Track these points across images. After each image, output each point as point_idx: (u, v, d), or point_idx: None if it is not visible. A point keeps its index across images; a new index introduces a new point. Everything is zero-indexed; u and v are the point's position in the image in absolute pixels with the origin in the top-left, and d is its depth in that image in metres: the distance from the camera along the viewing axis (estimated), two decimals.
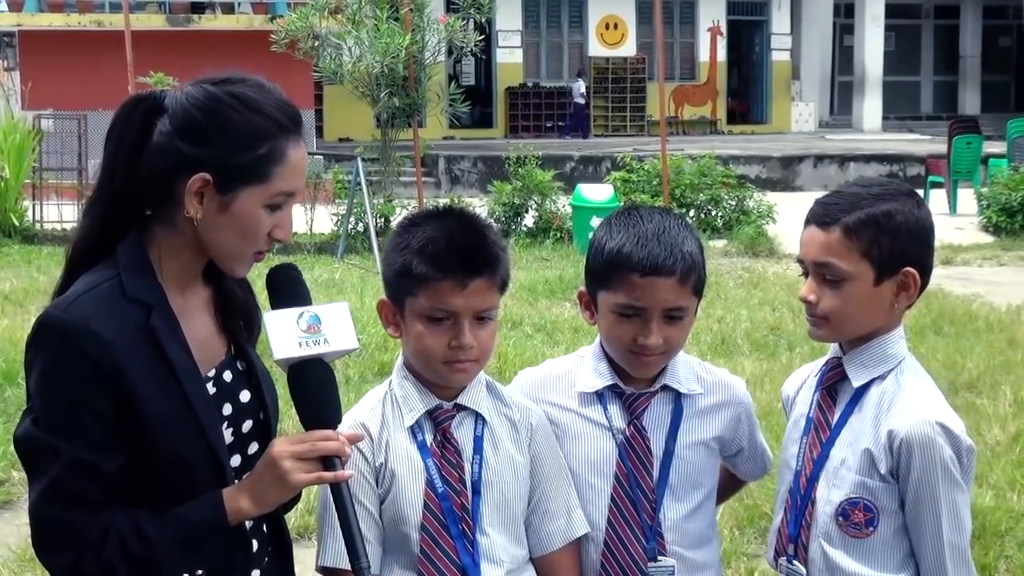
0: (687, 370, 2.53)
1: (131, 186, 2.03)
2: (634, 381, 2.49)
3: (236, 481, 2.07)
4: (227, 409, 2.10)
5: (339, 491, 1.99)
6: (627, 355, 2.43)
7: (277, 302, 2.06)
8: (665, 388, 2.49)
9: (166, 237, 2.06)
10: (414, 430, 2.31)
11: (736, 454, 2.61)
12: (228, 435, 2.10)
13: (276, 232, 2.06)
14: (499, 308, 2.35)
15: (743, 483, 2.82)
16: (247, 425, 2.15)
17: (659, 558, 2.45)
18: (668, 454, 2.47)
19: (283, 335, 2.00)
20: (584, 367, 2.53)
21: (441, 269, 2.23)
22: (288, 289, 2.08)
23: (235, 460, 2.11)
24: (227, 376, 2.13)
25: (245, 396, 2.15)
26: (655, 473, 2.46)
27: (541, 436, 2.44)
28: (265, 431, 2.18)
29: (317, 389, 2.03)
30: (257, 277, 2.16)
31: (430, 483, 2.28)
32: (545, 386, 2.56)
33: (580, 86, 27.39)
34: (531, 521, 2.42)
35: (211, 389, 2.08)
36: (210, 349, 2.11)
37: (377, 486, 2.30)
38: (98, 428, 1.95)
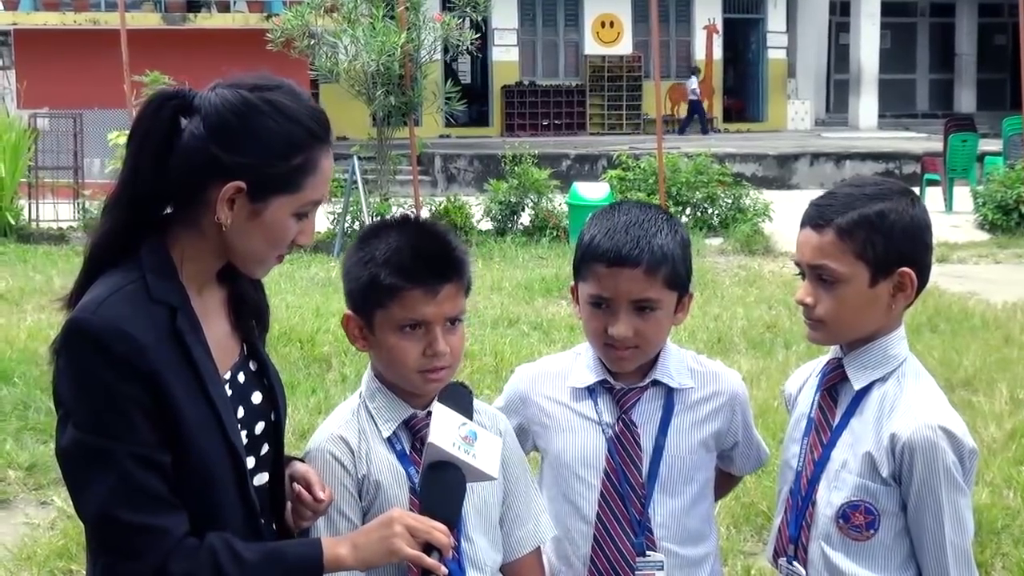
0: (679, 364, 2.52)
1: (156, 186, 1.99)
2: (624, 376, 2.49)
3: (254, 485, 2.06)
4: (240, 412, 2.08)
5: None
6: (603, 348, 2.45)
7: (448, 405, 2.19)
8: (656, 383, 2.49)
9: (189, 239, 2.02)
10: (392, 440, 2.30)
11: (731, 448, 2.60)
12: (243, 437, 2.07)
13: (300, 238, 2.06)
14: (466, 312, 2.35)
15: (737, 480, 2.80)
16: (260, 427, 2.13)
17: (648, 553, 2.45)
18: (658, 449, 2.47)
19: (445, 429, 2.14)
20: (579, 363, 2.55)
21: (410, 279, 2.22)
22: (460, 402, 2.22)
23: (249, 462, 2.08)
24: (241, 378, 2.11)
25: (257, 398, 2.13)
26: (644, 468, 2.46)
27: (510, 442, 2.43)
28: (276, 432, 2.17)
29: (451, 490, 2.13)
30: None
31: (413, 490, 2.26)
32: (540, 381, 2.58)
33: (693, 81, 27.38)
34: (501, 526, 2.41)
35: (227, 391, 2.06)
36: (226, 350, 2.10)
37: (360, 499, 2.28)
38: (148, 426, 1.91)
